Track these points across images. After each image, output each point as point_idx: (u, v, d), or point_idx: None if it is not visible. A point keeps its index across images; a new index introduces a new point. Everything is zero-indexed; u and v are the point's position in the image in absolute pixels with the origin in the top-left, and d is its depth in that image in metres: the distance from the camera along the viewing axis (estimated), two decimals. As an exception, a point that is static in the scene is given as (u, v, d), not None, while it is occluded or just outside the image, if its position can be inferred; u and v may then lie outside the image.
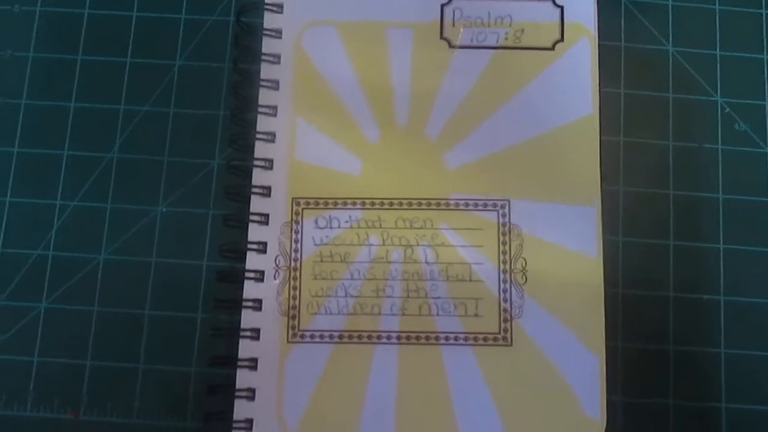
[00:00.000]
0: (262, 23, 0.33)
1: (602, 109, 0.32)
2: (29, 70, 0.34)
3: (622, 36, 0.34)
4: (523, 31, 0.32)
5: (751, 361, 0.31)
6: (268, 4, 0.33)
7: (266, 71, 0.32)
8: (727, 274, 0.32)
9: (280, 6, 0.33)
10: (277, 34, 0.32)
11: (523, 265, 0.30)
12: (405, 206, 0.31)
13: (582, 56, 0.32)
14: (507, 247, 0.31)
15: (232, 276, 0.31)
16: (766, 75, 0.34)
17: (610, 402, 0.30)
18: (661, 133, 0.33)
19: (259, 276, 0.30)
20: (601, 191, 0.31)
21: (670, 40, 0.34)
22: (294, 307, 0.30)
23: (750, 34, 0.34)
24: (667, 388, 0.31)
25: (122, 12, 0.34)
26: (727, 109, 0.33)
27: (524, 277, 0.30)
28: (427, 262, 0.31)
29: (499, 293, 0.30)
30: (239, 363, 0.30)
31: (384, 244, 0.31)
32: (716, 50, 0.34)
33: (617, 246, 0.32)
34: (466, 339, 0.30)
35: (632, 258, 0.32)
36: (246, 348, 0.30)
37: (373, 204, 0.31)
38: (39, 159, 0.33)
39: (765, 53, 0.34)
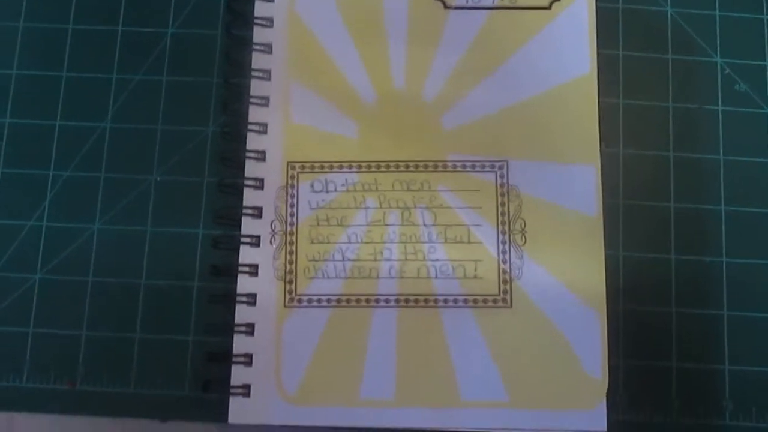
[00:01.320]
0: (255, -12, 0.32)
1: (601, 71, 0.32)
2: (20, 39, 0.33)
3: (620, -4, 0.33)
4: (519, -10, 0.32)
5: (754, 322, 0.31)
6: (260, -32, 0.32)
7: (259, 35, 0.32)
8: (729, 235, 0.32)
9: (273, -31, 0.32)
10: (270, -3, 0.32)
11: (522, 226, 0.30)
12: (402, 168, 0.31)
13: (579, 16, 0.32)
14: (506, 208, 0.30)
15: (228, 242, 0.30)
16: (765, 35, 0.33)
17: (612, 365, 0.29)
18: (661, 94, 0.33)
19: (255, 241, 0.30)
20: (601, 152, 0.31)
21: (669, 0, 0.34)
22: (291, 272, 0.30)
23: (749, -6, 0.34)
24: (669, 351, 0.31)
25: (113, -20, 0.34)
26: (727, 70, 0.33)
27: (523, 238, 0.30)
28: (425, 225, 0.30)
29: (498, 255, 0.30)
30: (236, 328, 0.29)
31: (381, 207, 0.30)
32: (715, 11, 0.34)
33: (618, 208, 0.32)
34: (465, 301, 0.30)
35: (633, 221, 0.32)
36: (242, 313, 0.29)
37: (369, 167, 0.31)
38: (31, 129, 0.33)
39: (765, 13, 0.34)
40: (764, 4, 0.34)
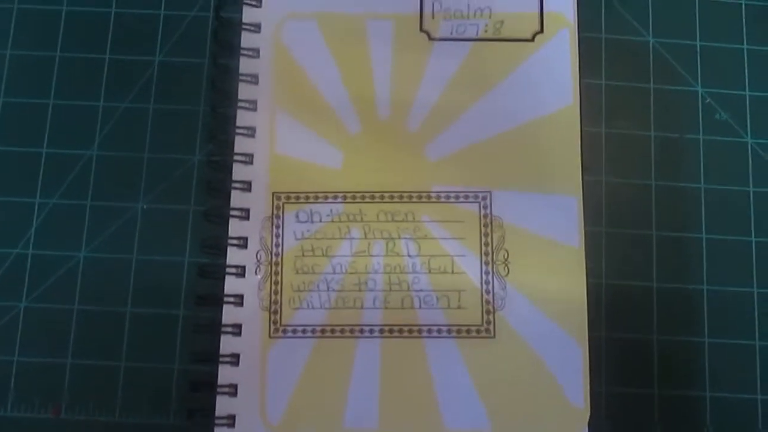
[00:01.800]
0: (241, 18, 0.32)
1: (584, 100, 0.32)
2: (7, 66, 0.33)
3: (603, 27, 0.34)
4: (502, 22, 0.32)
5: (735, 350, 0.31)
6: (246, -1, 0.32)
7: (245, 65, 0.32)
8: (710, 263, 0.32)
9: (259, 0, 0.32)
10: (256, 28, 0.32)
11: (505, 256, 0.30)
12: (386, 199, 0.31)
13: (562, 47, 0.32)
14: (489, 239, 0.30)
15: (214, 272, 0.31)
16: (746, 65, 0.34)
17: (594, 392, 0.30)
18: (643, 123, 0.33)
19: (240, 271, 0.30)
20: (583, 182, 0.31)
21: (651, 31, 0.34)
22: (276, 302, 0.30)
23: (730, 24, 0.34)
24: (651, 378, 0.31)
25: (101, 8, 0.34)
26: (708, 99, 0.34)
27: (506, 268, 0.30)
28: (409, 255, 0.30)
29: (482, 285, 0.30)
30: (221, 359, 0.29)
31: (366, 238, 0.31)
32: (696, 41, 0.34)
33: (600, 237, 0.32)
34: (449, 331, 0.30)
35: (615, 248, 0.32)
36: (227, 343, 0.30)
37: (354, 197, 0.31)
38: (18, 157, 0.33)
39: (745, 43, 0.34)
40: (744, 35, 0.34)
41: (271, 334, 0.30)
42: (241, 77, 0.32)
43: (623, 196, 0.33)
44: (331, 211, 0.31)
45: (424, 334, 0.30)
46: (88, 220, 0.32)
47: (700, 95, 0.34)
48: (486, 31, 0.32)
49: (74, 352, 0.31)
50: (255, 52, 0.32)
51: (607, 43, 0.34)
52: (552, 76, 0.32)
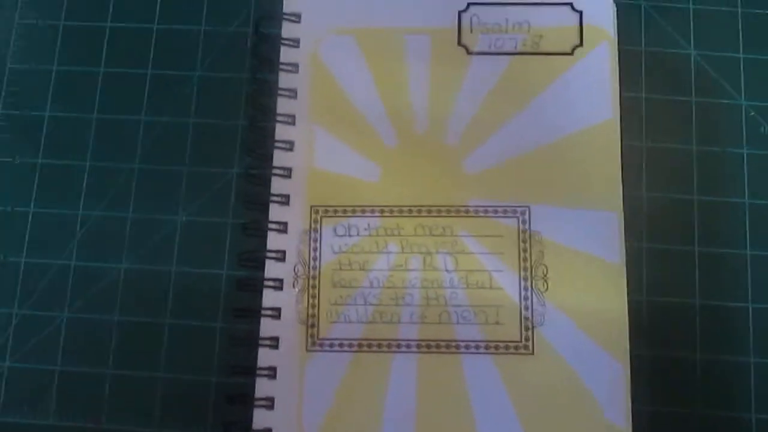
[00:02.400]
0: (280, 33, 0.33)
1: (624, 114, 0.32)
2: (53, 81, 0.34)
3: (643, 40, 0.34)
4: (541, 36, 0.32)
5: (781, 370, 0.30)
6: (286, 14, 0.33)
7: (284, 80, 0.32)
8: (755, 280, 0.31)
9: (298, 16, 0.33)
10: (295, 43, 0.32)
11: (545, 272, 0.30)
12: (424, 213, 0.31)
13: (601, 60, 0.32)
14: (527, 254, 0.30)
15: (252, 285, 0.31)
16: (790, 77, 0.33)
17: (636, 411, 0.29)
18: (685, 137, 0.33)
19: (278, 284, 0.30)
20: (623, 197, 0.31)
21: (692, 43, 0.34)
22: (313, 316, 0.30)
23: (773, 36, 0.34)
24: (694, 398, 0.30)
25: (143, 24, 0.35)
26: (752, 113, 0.33)
27: (545, 284, 0.30)
28: (446, 270, 0.30)
29: (520, 301, 0.30)
30: (258, 372, 0.29)
31: (403, 252, 0.30)
32: (739, 53, 0.33)
33: (641, 252, 0.31)
34: (486, 347, 0.30)
35: (656, 265, 0.31)
36: (265, 357, 0.30)
37: (392, 211, 0.31)
38: (62, 170, 0.33)
39: (789, 56, 0.33)
40: (789, 47, 0.34)
41: (308, 348, 0.30)
42: (280, 92, 0.32)
43: (664, 211, 0.32)
44: (368, 225, 0.31)
45: (462, 349, 0.29)
46: (129, 233, 0.33)
47: (743, 109, 0.33)
48: (525, 45, 0.32)
49: (114, 362, 0.31)
50: (294, 67, 0.32)
51: (647, 56, 0.33)
52: (591, 89, 0.31)
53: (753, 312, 0.31)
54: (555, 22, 0.32)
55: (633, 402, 0.29)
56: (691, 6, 0.34)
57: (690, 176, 0.32)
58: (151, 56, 0.34)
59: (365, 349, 0.30)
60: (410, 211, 0.31)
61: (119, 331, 0.32)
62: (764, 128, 0.33)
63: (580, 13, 0.32)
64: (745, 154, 0.32)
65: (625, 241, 0.30)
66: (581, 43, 0.32)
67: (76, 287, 0.32)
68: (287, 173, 0.31)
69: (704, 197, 0.32)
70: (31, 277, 0.32)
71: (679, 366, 0.31)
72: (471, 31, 0.32)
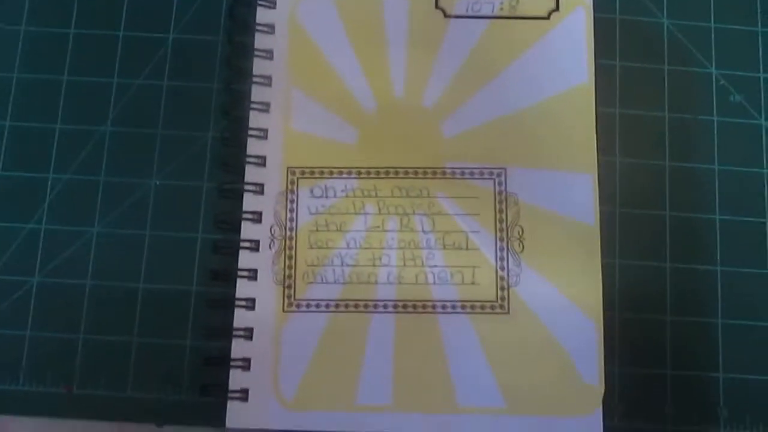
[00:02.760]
0: (257, -6, 0.32)
1: (598, 81, 0.32)
2: (21, 43, 0.33)
3: (617, 8, 0.34)
4: (518, 0, 0.32)
5: (748, 331, 0.31)
6: (262, -24, 0.32)
7: (260, 41, 0.32)
8: (724, 244, 0.32)
9: (275, -24, 0.32)
10: (271, 4, 0.32)
11: (520, 233, 0.30)
12: (401, 175, 0.31)
13: (577, 26, 0.32)
14: (503, 215, 0.30)
15: (227, 247, 0.30)
16: (760, 47, 0.34)
17: (608, 372, 0.30)
18: (657, 104, 0.33)
19: (255, 246, 0.30)
20: (598, 161, 0.31)
21: (665, 12, 0.34)
22: (289, 277, 0.30)
23: (744, 7, 0.34)
24: (664, 358, 0.31)
25: (115, -15, 0.34)
26: (722, 81, 0.33)
27: (521, 245, 0.30)
28: (423, 231, 0.30)
29: (496, 261, 0.30)
30: (234, 333, 0.29)
31: (380, 213, 0.30)
32: (711, 22, 0.34)
33: (614, 217, 0.32)
34: (462, 307, 0.30)
35: (629, 229, 0.32)
36: (241, 318, 0.30)
37: (369, 173, 0.31)
38: (31, 133, 0.33)
39: (759, 26, 0.34)
40: (758, 17, 0.34)
41: (285, 309, 0.30)
42: (256, 53, 0.32)
43: (636, 177, 0.32)
44: (345, 186, 0.31)
45: (438, 309, 0.30)
46: (101, 196, 0.32)
47: (714, 77, 0.33)
48: (502, 9, 0.32)
49: (86, 327, 0.31)
50: (270, 28, 0.32)
51: (622, 24, 0.34)
52: (567, 53, 0.32)
53: (721, 275, 0.32)
54: (532, -14, 0.32)
55: (605, 362, 0.29)
56: (664, -25, 0.34)
57: (662, 143, 0.33)
58: (124, 18, 0.34)
59: (342, 309, 0.30)
60: (387, 172, 0.31)
61: (92, 295, 0.31)
62: (734, 97, 0.33)
63: (557, -23, 0.32)
64: (715, 122, 0.33)
65: (599, 205, 0.31)
66: (557, 8, 0.32)
67: (47, 251, 0.32)
68: (263, 134, 0.31)
69: (675, 163, 0.33)
70: (1, 242, 0.32)
71: (650, 328, 0.31)
72: (449, -6, 0.32)
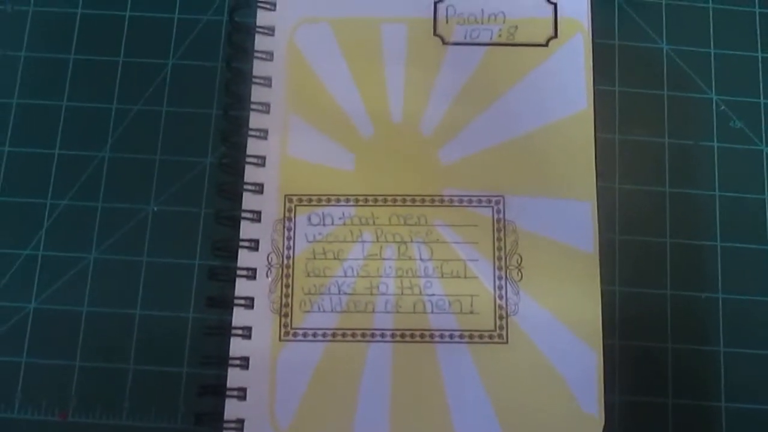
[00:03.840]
0: (255, 21, 0.32)
1: (597, 106, 0.32)
2: (21, 69, 0.34)
3: (616, 34, 0.34)
4: (516, 27, 0.32)
5: (750, 359, 0.31)
6: (260, 2, 0.32)
7: (259, 68, 0.32)
8: (725, 271, 0.32)
9: (273, 4, 0.32)
10: (270, 31, 0.32)
11: (519, 261, 0.30)
12: (399, 203, 0.31)
13: (576, 52, 0.32)
14: (502, 243, 0.30)
15: (224, 274, 0.30)
16: (760, 72, 0.34)
17: (609, 401, 0.29)
18: (657, 130, 0.33)
19: (251, 274, 0.30)
20: (597, 188, 0.31)
21: (664, 37, 0.34)
22: (286, 305, 0.30)
23: (744, 32, 0.34)
24: (665, 386, 0.30)
25: (115, 11, 0.34)
26: (722, 107, 0.33)
27: (520, 273, 0.30)
28: (421, 259, 0.30)
29: (495, 290, 0.30)
30: (230, 362, 0.29)
31: (378, 241, 0.30)
32: (710, 48, 0.34)
33: (614, 243, 0.32)
34: (461, 336, 0.29)
35: (629, 256, 0.32)
36: (237, 347, 0.29)
37: (366, 200, 0.31)
38: (30, 158, 0.33)
39: (759, 51, 0.34)
40: (758, 42, 0.34)
41: (282, 338, 0.29)
42: (254, 80, 0.32)
43: (636, 203, 0.32)
44: (343, 214, 0.30)
45: (436, 339, 0.29)
46: (99, 222, 0.32)
47: (714, 102, 0.33)
48: (500, 36, 0.32)
49: (83, 354, 0.31)
50: (268, 55, 0.32)
51: (621, 49, 0.34)
52: (566, 80, 0.31)
53: (723, 303, 0.31)
54: (530, 14, 0.32)
55: (605, 391, 0.29)
56: (663, 1, 0.34)
57: (662, 169, 0.33)
58: (124, 43, 0.34)
59: (339, 338, 0.29)
60: (385, 200, 0.31)
61: (88, 322, 0.31)
62: (734, 122, 0.33)
63: (555, 5, 0.32)
64: (716, 148, 0.33)
65: (598, 232, 0.31)
66: (556, 35, 0.32)
67: (44, 277, 0.31)
68: (261, 162, 0.31)
69: (676, 190, 0.32)
70: (-2, 267, 0.32)
71: (651, 356, 0.31)
72: (447, 22, 0.32)
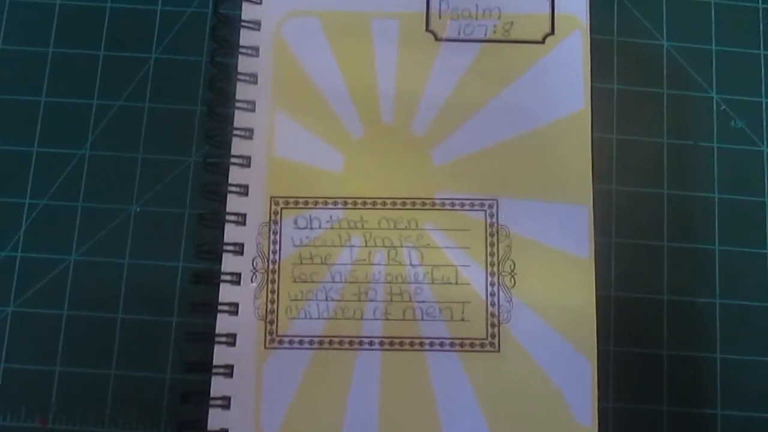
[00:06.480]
0: (241, 15, 0.31)
1: (594, 105, 0.31)
2: (-3, 62, 0.32)
3: (615, 30, 0.33)
4: (512, 23, 0.31)
5: (747, 366, 0.30)
6: (246, -5, 0.31)
7: (244, 64, 0.31)
8: (723, 276, 0.31)
9: (260, -4, 0.31)
10: (256, 25, 0.31)
11: (512, 267, 0.29)
12: (389, 206, 0.30)
13: (573, 50, 0.31)
14: (495, 249, 0.29)
15: (209, 278, 0.29)
16: (762, 71, 0.33)
17: (602, 408, 0.29)
18: (655, 130, 0.32)
19: (236, 279, 0.29)
20: (594, 190, 0.30)
21: (665, 34, 0.33)
22: (272, 312, 0.29)
23: (746, 29, 0.33)
24: (660, 393, 0.30)
25: (96, 3, 0.33)
26: (723, 106, 0.32)
27: (513, 280, 0.29)
28: (411, 265, 0.29)
29: (487, 297, 0.29)
30: (214, 370, 0.28)
31: (366, 246, 0.29)
32: (712, 45, 0.33)
33: (610, 247, 0.31)
34: (452, 345, 0.29)
35: (625, 260, 0.31)
36: (221, 354, 0.29)
37: (355, 203, 0.30)
38: (7, 156, 0.32)
39: (762, 48, 0.33)
40: (761, 40, 0.33)
41: (267, 345, 0.29)
42: (239, 76, 0.30)
43: (634, 206, 0.32)
44: (330, 217, 0.30)
45: (426, 347, 0.29)
46: (79, 223, 0.31)
47: (715, 101, 0.32)
48: (495, 33, 0.31)
49: (63, 359, 0.30)
50: (254, 51, 0.31)
51: (620, 46, 0.33)
52: (563, 79, 0.31)
53: (720, 308, 0.31)
54: (526, 9, 0.31)
55: (599, 399, 0.29)
56: (664, -5, 0.33)
57: (660, 170, 0.32)
58: (104, 37, 0.33)
59: (326, 346, 0.29)
60: (374, 203, 0.30)
61: (68, 326, 0.30)
62: (735, 122, 0.32)
63: (552, 0, 0.31)
64: (715, 148, 0.32)
65: (594, 235, 0.30)
66: (553, 32, 0.31)
67: (23, 280, 0.31)
68: (246, 162, 0.30)
69: (674, 191, 0.32)
70: (-25, 269, 0.31)
71: (646, 362, 0.30)
72: (440, 17, 0.31)
